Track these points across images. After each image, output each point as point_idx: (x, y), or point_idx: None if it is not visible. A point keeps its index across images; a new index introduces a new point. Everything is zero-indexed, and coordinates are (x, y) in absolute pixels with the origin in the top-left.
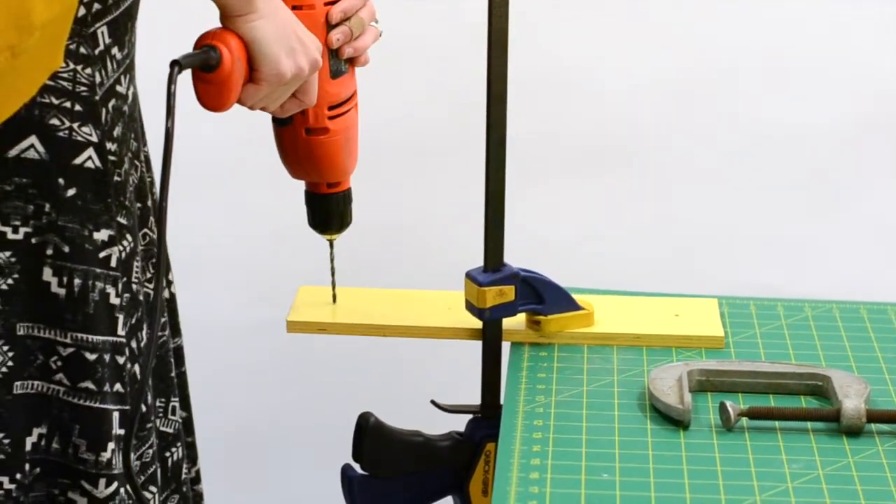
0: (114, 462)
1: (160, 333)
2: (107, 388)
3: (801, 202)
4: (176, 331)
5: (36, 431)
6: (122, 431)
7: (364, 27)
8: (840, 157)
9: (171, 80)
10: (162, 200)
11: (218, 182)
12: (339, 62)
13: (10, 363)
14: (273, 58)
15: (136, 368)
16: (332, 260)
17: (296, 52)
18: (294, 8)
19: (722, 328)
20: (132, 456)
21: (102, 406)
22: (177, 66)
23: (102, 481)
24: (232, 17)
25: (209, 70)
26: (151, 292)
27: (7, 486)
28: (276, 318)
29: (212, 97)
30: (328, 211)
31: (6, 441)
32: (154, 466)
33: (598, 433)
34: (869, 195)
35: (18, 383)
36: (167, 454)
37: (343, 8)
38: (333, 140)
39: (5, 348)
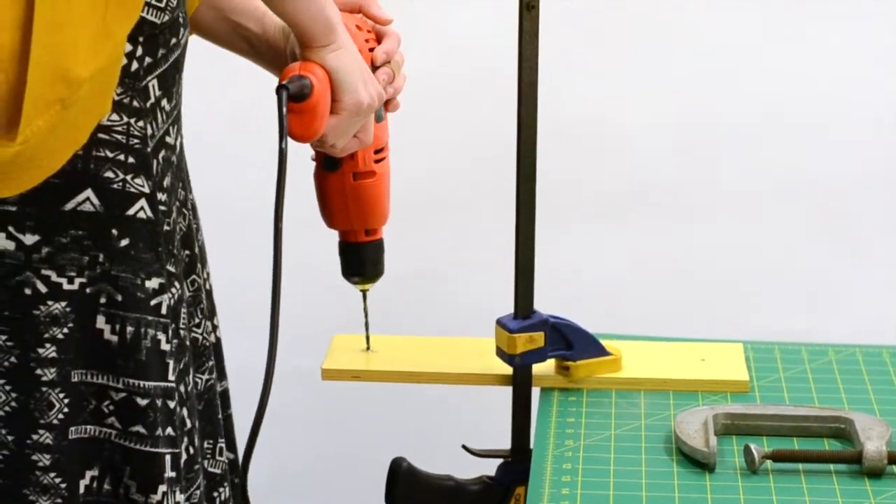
0: None
1: (208, 377)
2: (158, 431)
3: (824, 248)
4: (222, 375)
5: (88, 474)
6: (173, 474)
7: (399, 69)
8: (863, 203)
9: (281, 104)
10: (277, 221)
11: (248, 232)
12: (380, 106)
13: (65, 409)
14: (353, 86)
15: (185, 411)
16: (365, 311)
17: (367, 83)
18: None
19: (747, 372)
20: (182, 496)
21: (153, 450)
22: (284, 90)
23: None
24: (314, 47)
25: (301, 99)
26: (199, 336)
27: None
28: (311, 366)
29: (305, 125)
30: (363, 259)
31: (63, 486)
32: None
33: (626, 476)
34: (891, 240)
35: (73, 428)
36: (215, 494)
37: (386, 49)
38: (378, 184)
39: (61, 395)
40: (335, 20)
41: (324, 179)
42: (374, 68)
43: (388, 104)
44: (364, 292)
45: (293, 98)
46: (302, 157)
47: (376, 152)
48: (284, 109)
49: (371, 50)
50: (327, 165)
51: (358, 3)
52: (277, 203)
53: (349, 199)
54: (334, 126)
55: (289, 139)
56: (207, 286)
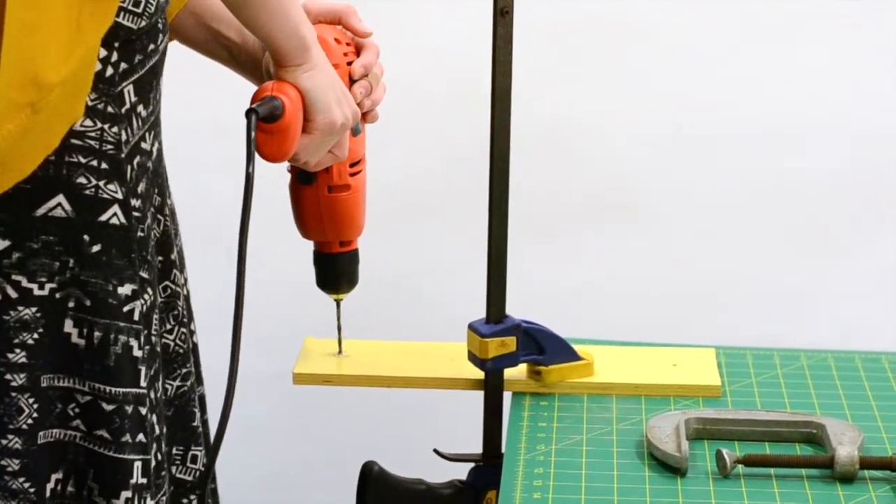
0: None
1: (180, 383)
2: (126, 438)
3: (798, 253)
4: (199, 380)
5: (54, 477)
6: (144, 480)
7: (378, 81)
8: (837, 209)
9: (251, 128)
10: (242, 245)
11: (228, 237)
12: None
13: (34, 415)
14: (326, 106)
15: (154, 418)
16: (338, 319)
17: (342, 102)
18: None
19: (719, 378)
20: (152, 502)
21: (119, 455)
22: (254, 114)
23: None
24: (288, 66)
25: (272, 120)
26: (171, 343)
27: None
28: (282, 370)
29: (275, 146)
30: (338, 270)
31: (31, 490)
32: None
33: (598, 480)
34: (865, 246)
35: (41, 433)
36: (184, 500)
37: (364, 63)
38: (353, 197)
39: (31, 401)
40: (309, 39)
41: (299, 192)
42: (352, 81)
43: (366, 116)
44: (338, 302)
45: (264, 119)
46: (279, 164)
47: (352, 165)
48: (253, 133)
49: (349, 63)
50: (302, 178)
51: (338, 15)
52: (242, 227)
53: (324, 211)
54: (306, 145)
55: (259, 160)
56: (185, 291)
